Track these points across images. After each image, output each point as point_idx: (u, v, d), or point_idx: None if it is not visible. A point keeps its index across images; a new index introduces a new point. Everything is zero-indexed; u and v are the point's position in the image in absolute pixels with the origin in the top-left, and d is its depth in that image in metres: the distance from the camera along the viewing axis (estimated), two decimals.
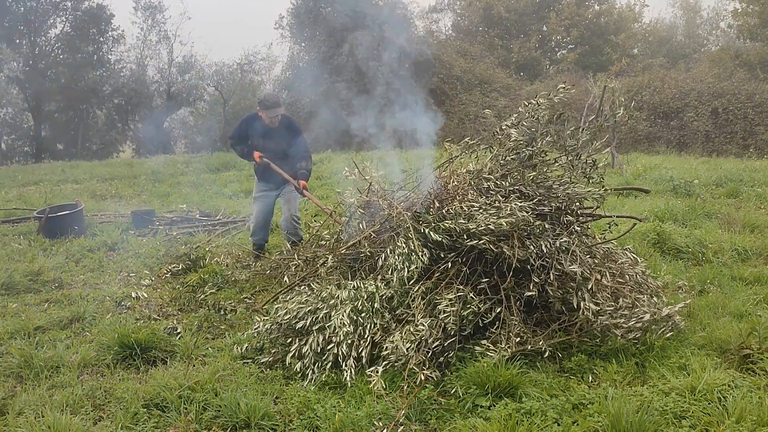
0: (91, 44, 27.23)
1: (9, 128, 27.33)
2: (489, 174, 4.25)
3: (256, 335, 4.10)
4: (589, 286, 3.86)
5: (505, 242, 3.85)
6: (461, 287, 3.79)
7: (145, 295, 5.24)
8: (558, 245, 3.95)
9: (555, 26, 28.88)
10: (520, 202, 3.99)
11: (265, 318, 4.11)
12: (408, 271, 3.79)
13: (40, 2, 25.98)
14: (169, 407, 3.31)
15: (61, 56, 27.08)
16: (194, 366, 3.84)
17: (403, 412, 3.19)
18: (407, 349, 3.55)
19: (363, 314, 3.76)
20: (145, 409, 3.30)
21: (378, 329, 3.73)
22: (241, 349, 3.98)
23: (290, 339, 3.90)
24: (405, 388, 3.40)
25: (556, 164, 4.34)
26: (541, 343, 3.70)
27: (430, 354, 3.59)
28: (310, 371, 3.63)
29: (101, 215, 9.11)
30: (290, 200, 6.20)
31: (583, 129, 4.28)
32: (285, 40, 29.92)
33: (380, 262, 4.03)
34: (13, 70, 25.22)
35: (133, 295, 5.30)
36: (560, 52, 29.82)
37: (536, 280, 3.84)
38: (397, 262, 3.83)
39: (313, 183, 11.43)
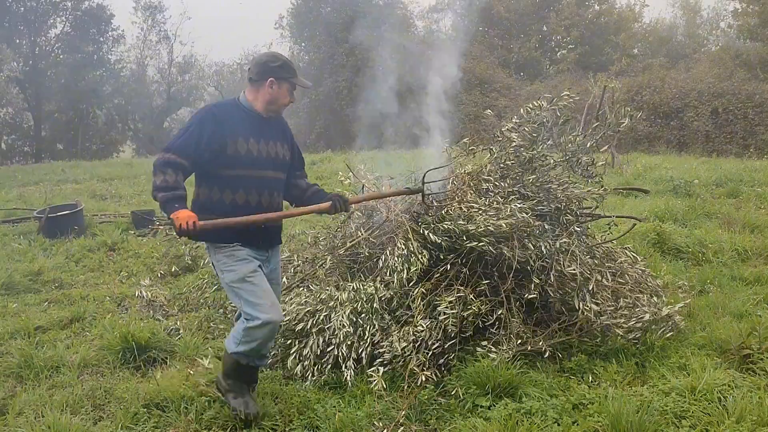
0: (91, 44, 27.24)
1: (9, 128, 27.34)
2: (488, 175, 4.24)
3: None
4: (590, 287, 3.85)
5: (504, 243, 3.85)
6: (461, 288, 3.78)
7: (145, 295, 5.23)
8: (558, 246, 3.94)
9: (555, 26, 28.87)
10: (520, 203, 3.98)
11: None
12: (407, 273, 3.79)
13: (40, 2, 25.99)
14: (169, 407, 3.31)
15: (61, 56, 27.08)
16: (195, 366, 3.83)
17: (403, 412, 3.19)
18: (402, 349, 3.55)
19: (362, 315, 3.76)
20: (145, 409, 3.30)
21: (378, 330, 3.73)
22: None
23: (290, 341, 3.90)
24: (405, 388, 3.41)
25: (557, 167, 4.33)
26: (541, 343, 3.69)
27: (430, 355, 3.59)
28: (311, 373, 3.63)
29: (101, 215, 9.11)
30: (276, 278, 3.46)
31: (585, 135, 4.27)
32: (285, 40, 29.96)
33: (380, 264, 4.03)
34: (13, 70, 25.22)
35: (134, 294, 5.30)
36: (560, 52, 29.79)
37: (536, 280, 3.84)
38: (396, 264, 3.83)
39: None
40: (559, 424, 3.02)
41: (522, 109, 4.33)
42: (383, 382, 3.41)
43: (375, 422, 3.13)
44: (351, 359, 3.59)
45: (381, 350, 3.65)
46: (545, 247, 3.89)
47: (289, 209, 3.45)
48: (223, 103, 3.34)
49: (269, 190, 3.25)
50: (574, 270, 3.85)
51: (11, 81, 25.51)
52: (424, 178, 3.79)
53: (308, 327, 3.83)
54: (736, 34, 27.05)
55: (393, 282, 3.85)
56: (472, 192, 4.15)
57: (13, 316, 4.92)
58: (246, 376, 3.23)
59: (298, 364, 3.69)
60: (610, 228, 4.76)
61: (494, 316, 3.81)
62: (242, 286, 3.09)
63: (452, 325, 3.63)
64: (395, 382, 3.50)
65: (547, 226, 4.09)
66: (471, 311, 3.72)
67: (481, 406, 3.24)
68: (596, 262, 4.12)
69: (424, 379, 3.42)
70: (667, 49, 29.21)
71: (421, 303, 3.77)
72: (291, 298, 4.21)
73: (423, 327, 3.62)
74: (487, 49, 27.40)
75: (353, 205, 3.73)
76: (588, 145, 4.26)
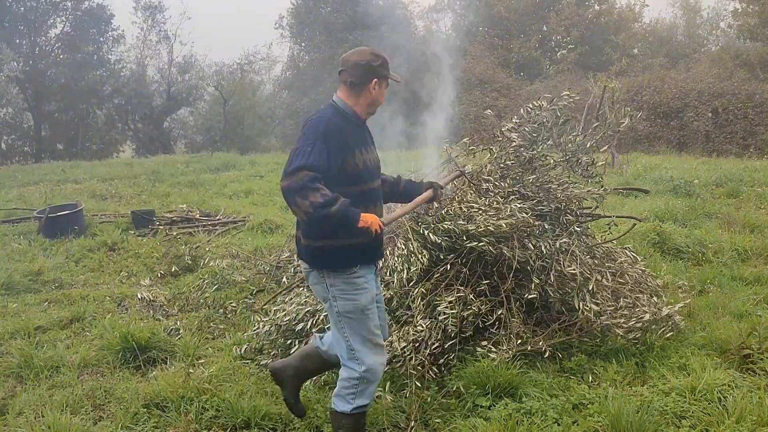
0: (91, 44, 27.22)
1: (9, 128, 27.32)
2: (488, 175, 4.24)
3: (255, 336, 4.10)
4: (590, 287, 3.85)
5: (504, 243, 3.85)
6: (461, 288, 3.78)
7: (146, 295, 5.23)
8: (558, 246, 3.94)
9: (555, 26, 28.84)
10: (520, 203, 3.98)
11: (265, 319, 4.11)
12: (407, 273, 3.79)
13: (40, 2, 25.98)
14: (169, 407, 3.31)
15: (61, 56, 27.07)
16: (194, 366, 3.84)
17: (404, 414, 3.19)
18: (402, 349, 3.55)
19: None
20: (145, 409, 3.30)
21: None
22: (241, 350, 3.99)
23: (290, 341, 3.90)
24: (406, 389, 3.41)
25: (557, 167, 4.34)
26: (541, 343, 3.70)
27: (428, 354, 3.59)
28: None
29: (101, 215, 9.11)
30: (381, 299, 3.20)
31: (585, 135, 4.28)
32: (285, 40, 29.94)
33: (379, 263, 4.03)
34: (13, 70, 25.20)
35: (135, 295, 5.30)
36: (560, 52, 29.74)
37: (536, 280, 3.84)
38: (396, 264, 3.83)
39: None
40: (559, 424, 3.02)
41: (522, 109, 4.33)
42: (387, 385, 3.41)
43: (375, 422, 3.13)
44: None
45: None
46: (545, 247, 3.89)
47: (405, 204, 3.22)
48: (329, 112, 2.85)
49: (381, 201, 2.99)
50: (574, 270, 3.85)
51: (11, 81, 25.49)
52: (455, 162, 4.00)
53: (308, 327, 3.83)
54: (736, 34, 27.02)
55: (393, 282, 3.85)
56: (472, 192, 4.16)
57: (13, 316, 4.92)
58: (363, 422, 2.92)
59: None
60: (610, 228, 4.76)
61: (494, 316, 3.81)
62: (359, 318, 2.81)
63: (452, 325, 3.63)
64: (395, 382, 3.50)
65: (547, 226, 4.09)
66: (471, 311, 3.72)
67: (481, 406, 3.24)
68: (596, 262, 4.12)
69: (426, 379, 3.42)
70: (667, 49, 29.17)
71: (421, 303, 3.77)
72: (291, 298, 4.21)
73: (423, 327, 3.62)
74: (487, 49, 27.38)
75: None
76: (588, 145, 4.27)
